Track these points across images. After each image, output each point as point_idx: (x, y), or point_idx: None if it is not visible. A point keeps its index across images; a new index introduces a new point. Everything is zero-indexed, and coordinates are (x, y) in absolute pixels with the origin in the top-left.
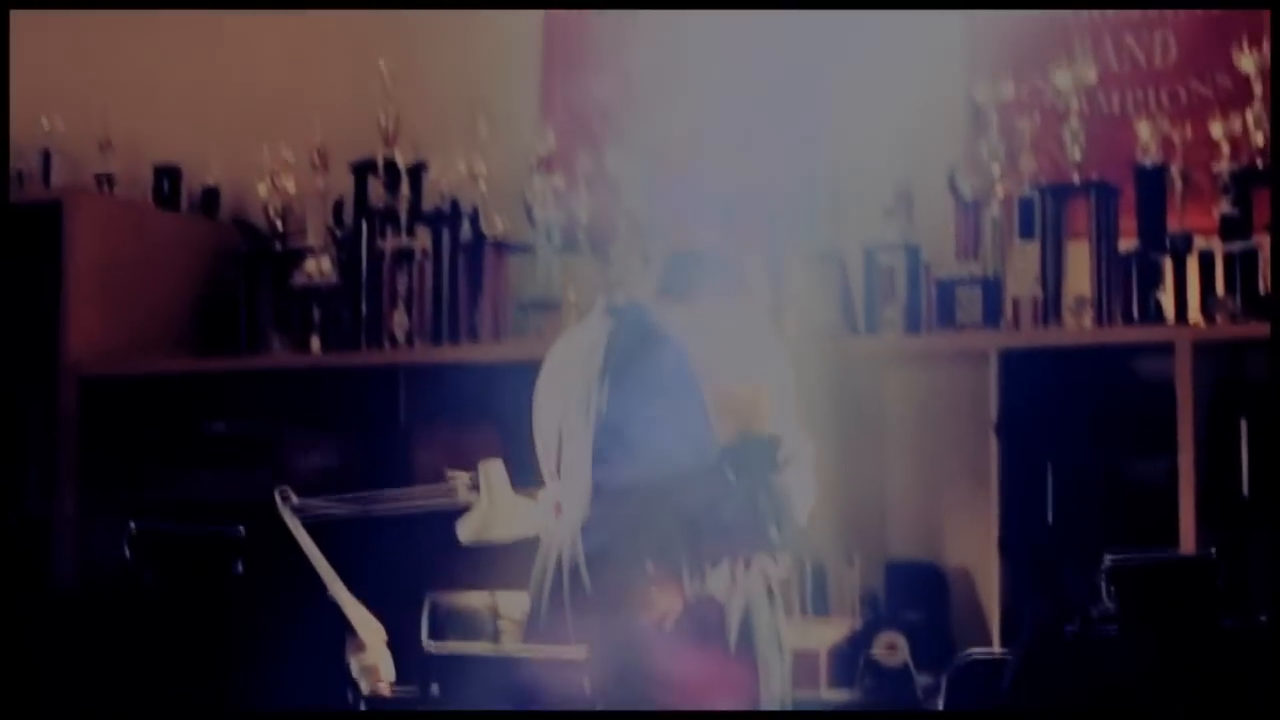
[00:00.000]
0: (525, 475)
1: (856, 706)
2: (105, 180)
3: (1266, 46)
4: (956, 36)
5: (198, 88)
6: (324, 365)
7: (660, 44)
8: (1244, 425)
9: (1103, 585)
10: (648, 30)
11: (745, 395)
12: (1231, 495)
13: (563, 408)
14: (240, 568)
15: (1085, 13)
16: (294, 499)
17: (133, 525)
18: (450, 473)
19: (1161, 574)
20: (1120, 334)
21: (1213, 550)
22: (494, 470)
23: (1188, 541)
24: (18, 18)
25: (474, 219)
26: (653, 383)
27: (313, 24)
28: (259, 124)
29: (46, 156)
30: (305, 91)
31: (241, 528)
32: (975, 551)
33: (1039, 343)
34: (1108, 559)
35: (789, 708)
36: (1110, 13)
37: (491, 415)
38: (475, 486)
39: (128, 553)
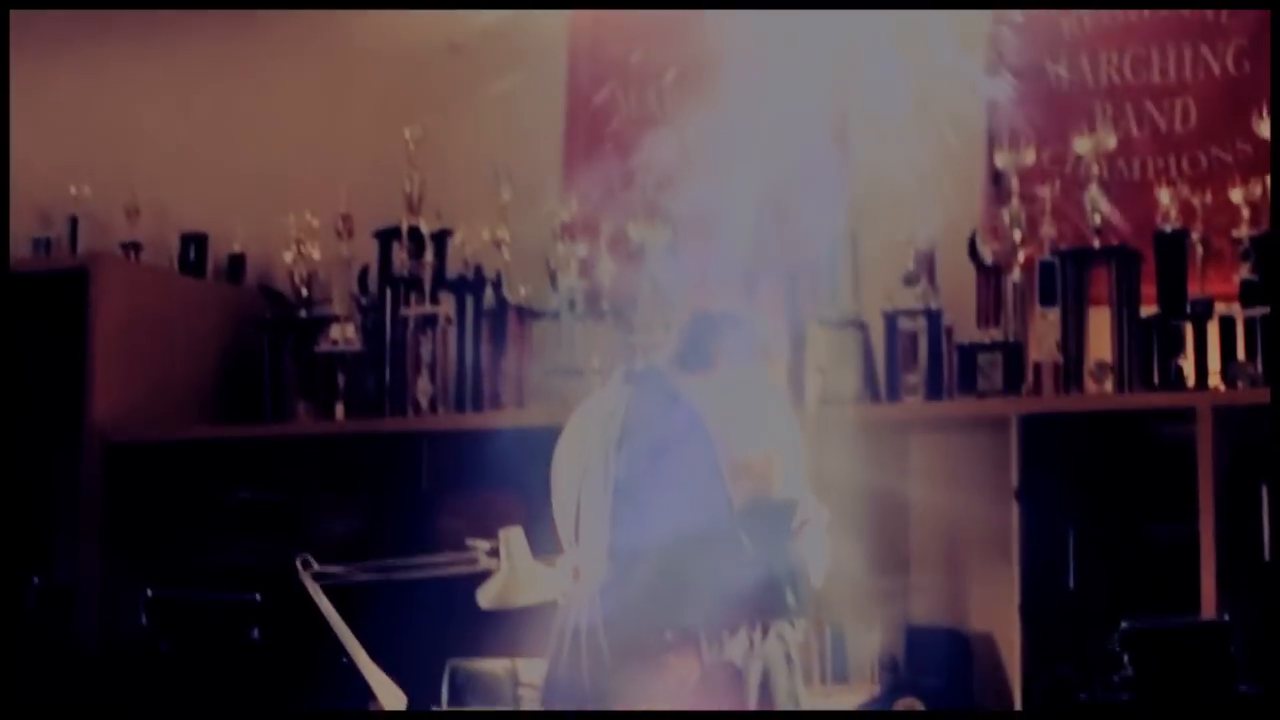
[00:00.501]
0: (546, 541)
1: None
2: (132, 247)
3: None
4: (978, 102)
5: (225, 155)
6: (347, 432)
7: (682, 112)
8: (1265, 490)
9: (1119, 652)
10: (669, 100)
11: (760, 461)
12: (1252, 560)
13: (581, 474)
14: (257, 634)
15: (1105, 79)
16: (315, 565)
17: (149, 592)
18: (471, 540)
19: (1176, 640)
20: (1141, 399)
21: (1226, 616)
22: (514, 537)
23: (1209, 607)
24: (46, 88)
25: (497, 285)
26: (669, 449)
27: (339, 92)
28: (285, 191)
29: (74, 223)
30: (331, 159)
31: (257, 595)
32: (997, 617)
33: (1060, 409)
34: (1122, 625)
35: None
36: (1131, 79)
37: (513, 481)
38: (495, 553)
39: (144, 619)
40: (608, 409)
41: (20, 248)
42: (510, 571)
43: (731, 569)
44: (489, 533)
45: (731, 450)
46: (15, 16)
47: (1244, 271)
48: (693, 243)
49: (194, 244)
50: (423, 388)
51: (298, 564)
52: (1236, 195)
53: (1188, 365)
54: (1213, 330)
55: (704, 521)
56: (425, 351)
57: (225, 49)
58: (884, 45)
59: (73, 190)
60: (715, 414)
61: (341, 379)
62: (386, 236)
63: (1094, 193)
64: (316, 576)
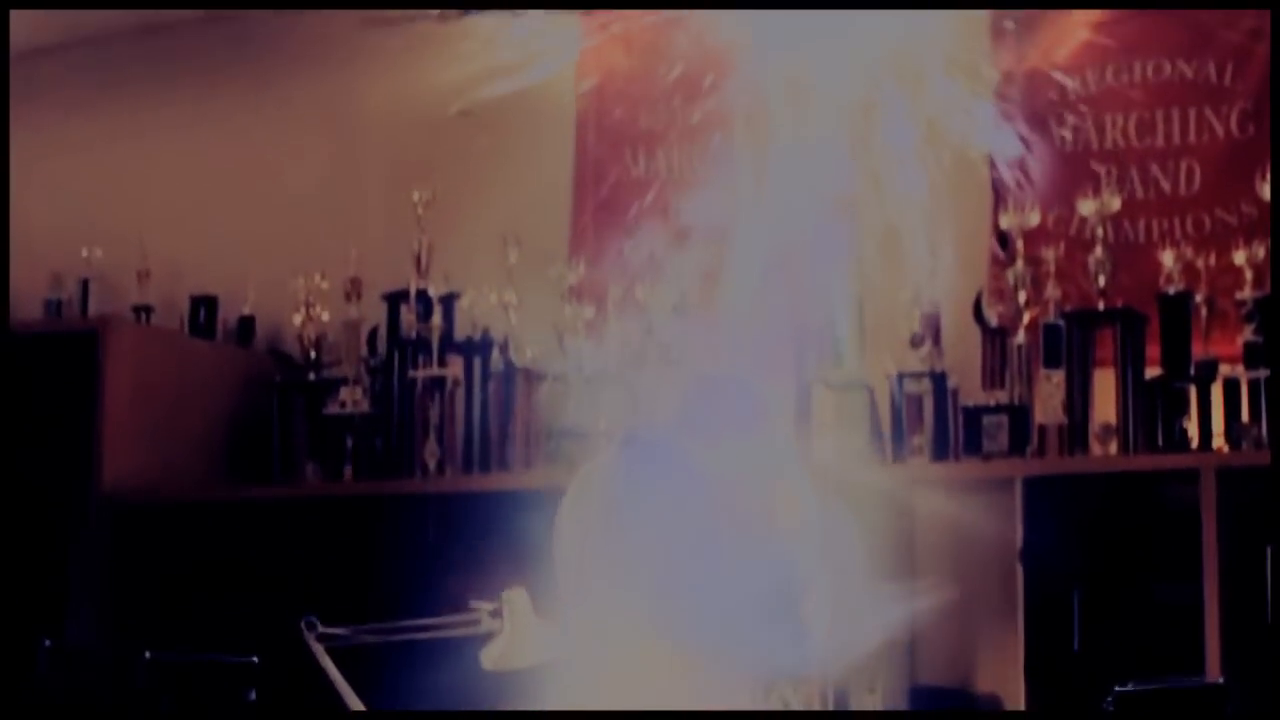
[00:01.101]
0: (551, 602)
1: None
2: (143, 310)
3: None
4: (983, 164)
5: (235, 218)
6: (355, 494)
7: (689, 177)
8: (1269, 552)
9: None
10: (677, 164)
11: (759, 521)
12: (1256, 622)
13: (581, 537)
14: (253, 696)
15: (1110, 141)
16: (319, 627)
17: (147, 654)
18: (474, 602)
19: (1170, 702)
20: (1144, 461)
21: (1221, 679)
22: (517, 598)
23: (1214, 669)
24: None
25: (504, 348)
26: (666, 515)
27: (349, 156)
28: (295, 254)
29: (85, 285)
30: (341, 222)
31: (255, 657)
32: (1002, 677)
33: (1063, 470)
34: (1115, 690)
35: None
36: (1136, 141)
37: (519, 543)
38: (499, 614)
39: (143, 681)
40: (608, 471)
41: (32, 309)
42: (513, 633)
43: (732, 629)
44: (494, 594)
45: (734, 513)
46: (30, 74)
47: (1248, 333)
48: (700, 305)
49: (204, 306)
50: (430, 450)
51: (302, 626)
52: (1239, 257)
53: (1192, 427)
54: (1217, 392)
55: (704, 585)
56: (433, 413)
57: (237, 112)
58: (891, 107)
59: (84, 253)
60: (716, 476)
61: (350, 441)
62: (395, 299)
63: (1099, 255)
64: (321, 638)
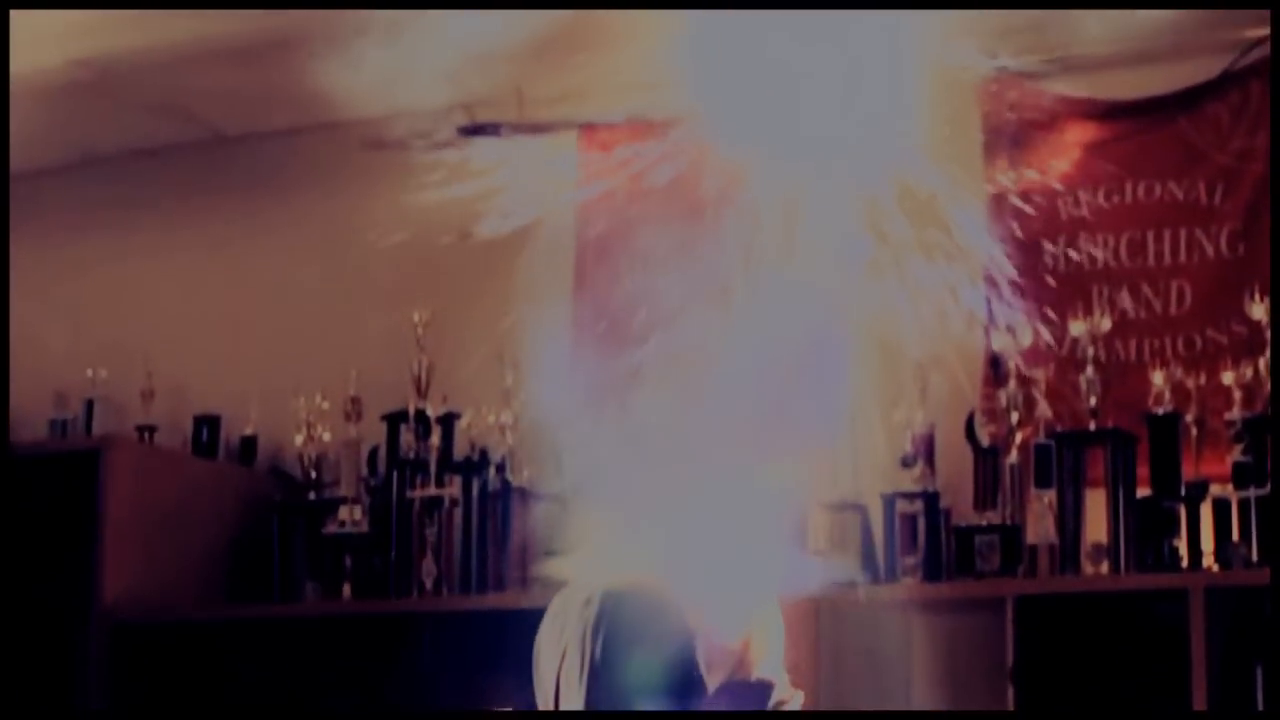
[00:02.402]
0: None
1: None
2: (147, 430)
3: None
4: (974, 285)
5: (238, 339)
6: (354, 613)
7: (687, 302)
8: (1259, 671)
9: None
10: (674, 289)
11: (738, 644)
12: None
13: (559, 655)
14: None
15: (1102, 261)
16: None
17: None
18: None
19: None
20: (1133, 581)
21: None
22: None
23: None
24: (65, 271)
25: (501, 468)
26: (644, 633)
27: (349, 277)
28: (297, 374)
29: (90, 405)
30: (341, 342)
31: None
32: None
33: (1053, 590)
34: None
35: None
36: (1127, 261)
37: (514, 663)
38: None
39: None
40: (586, 592)
41: (37, 429)
42: None
43: None
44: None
45: (709, 633)
46: (36, 195)
47: (1237, 454)
48: (693, 425)
49: (207, 426)
50: (427, 569)
51: None
52: (1228, 377)
53: (1182, 546)
54: (1206, 512)
55: (677, 704)
56: (430, 534)
57: (240, 234)
58: (882, 227)
59: (89, 373)
60: (691, 597)
61: (349, 560)
62: (394, 419)
63: (1090, 375)
64: None
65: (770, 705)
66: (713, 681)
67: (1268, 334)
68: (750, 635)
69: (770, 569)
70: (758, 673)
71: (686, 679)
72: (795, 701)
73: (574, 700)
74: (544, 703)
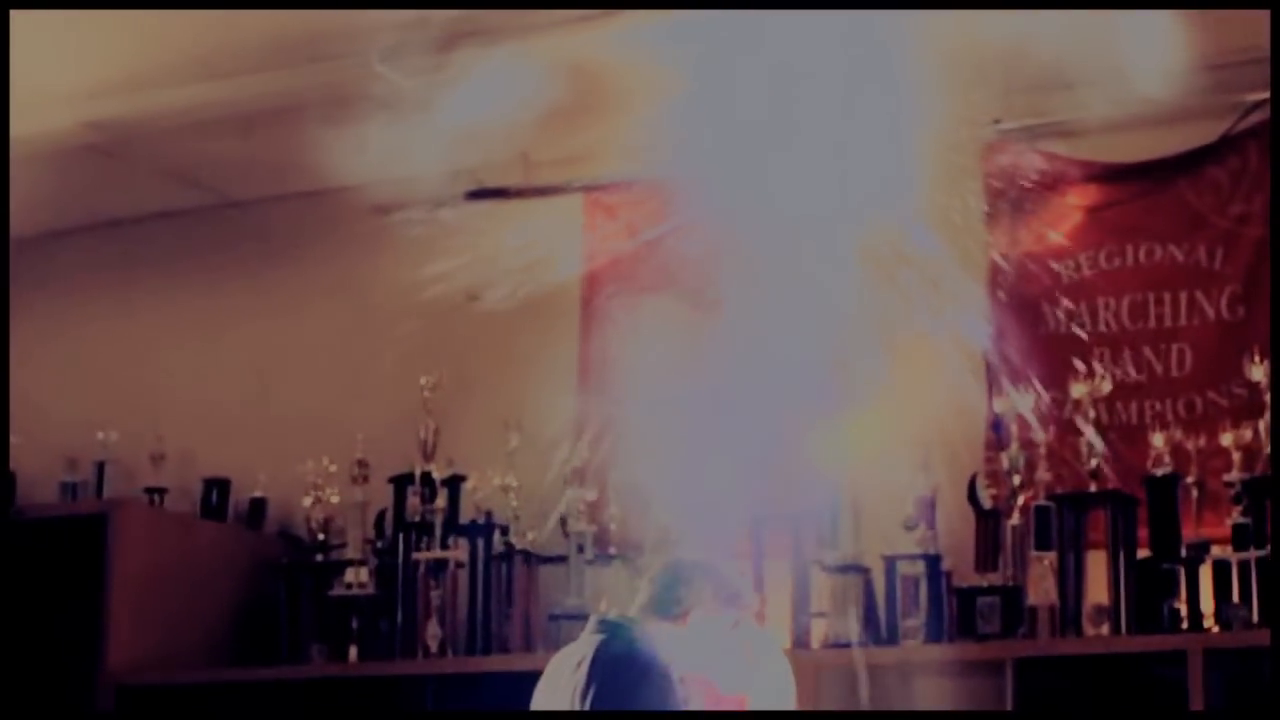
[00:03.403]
0: None
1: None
2: (157, 492)
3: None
4: (978, 348)
5: (248, 403)
6: (360, 675)
7: (693, 364)
8: None
9: None
10: (680, 350)
11: (731, 703)
12: None
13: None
14: None
15: (1103, 324)
16: None
17: None
18: None
19: None
20: (1131, 643)
21: None
22: None
23: None
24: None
25: (505, 531)
26: (632, 696)
27: (357, 342)
28: (306, 437)
29: (101, 468)
30: (350, 406)
31: None
32: None
33: (1052, 652)
34: None
35: None
36: (1128, 324)
37: None
38: None
39: None
40: (579, 655)
41: (48, 492)
42: None
43: None
44: None
45: (703, 693)
46: (47, 259)
47: (1236, 515)
48: (698, 489)
49: (216, 488)
50: (432, 632)
51: None
52: (1227, 439)
53: (1183, 608)
54: (1206, 573)
55: None
56: (436, 595)
57: (249, 299)
58: (884, 293)
59: (100, 436)
60: (684, 660)
61: (355, 622)
62: (401, 482)
63: (1090, 437)
64: None
65: None
66: None
67: (1267, 396)
68: (744, 694)
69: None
70: None
71: None
72: None
73: None
74: None
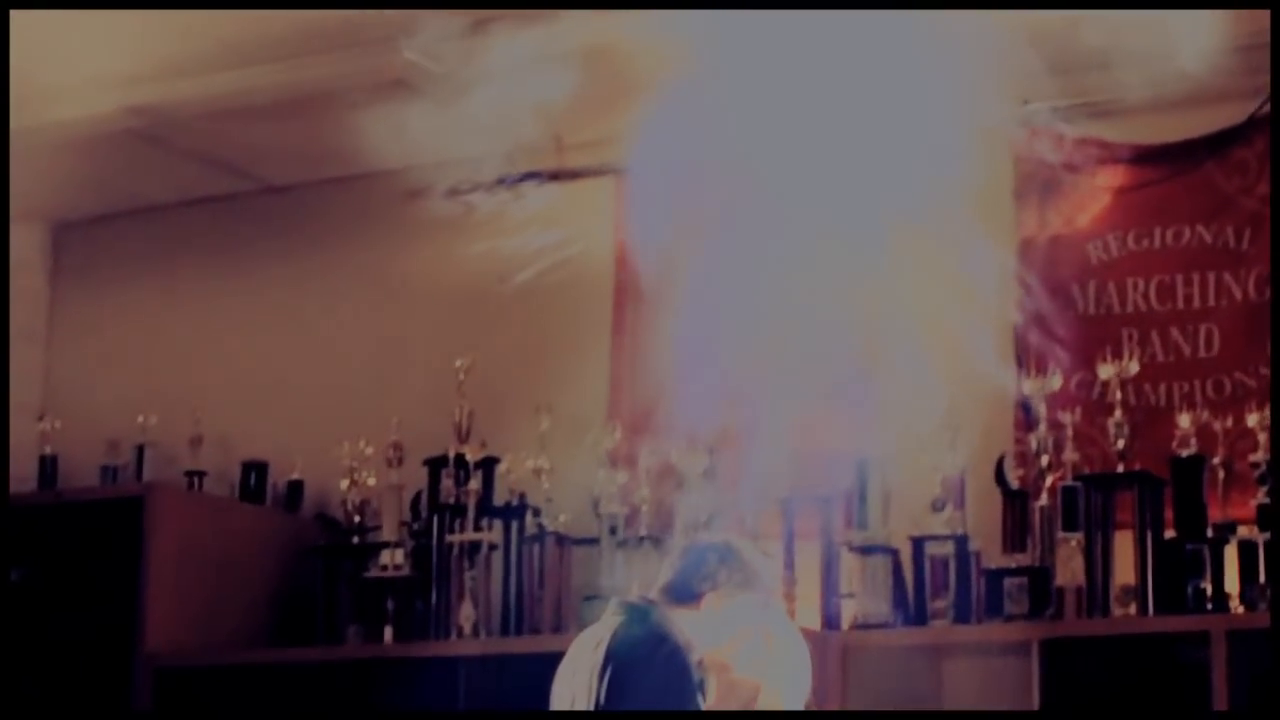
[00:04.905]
0: None
1: None
2: (196, 475)
3: None
4: (1007, 329)
5: (286, 386)
6: (395, 656)
7: (724, 344)
8: None
9: None
10: (712, 332)
11: (748, 686)
12: None
13: (570, 697)
14: None
15: (1131, 306)
16: None
17: None
18: None
19: None
20: (1154, 624)
21: None
22: None
23: None
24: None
25: (538, 513)
26: (648, 679)
27: (394, 325)
28: (343, 420)
29: (140, 452)
30: (385, 389)
31: None
32: None
33: (1078, 633)
34: None
35: None
36: (1157, 305)
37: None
38: None
39: None
40: (597, 638)
41: (89, 476)
42: None
43: None
44: None
45: (719, 675)
46: (88, 243)
47: (1260, 496)
48: (729, 470)
49: (255, 472)
50: (465, 613)
51: None
52: (1253, 419)
53: (1208, 589)
54: (1232, 554)
55: None
56: (469, 577)
57: (287, 283)
58: (913, 273)
59: (140, 419)
60: (702, 643)
61: (391, 603)
62: (435, 464)
63: (1118, 418)
64: None
65: None
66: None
67: None
68: (759, 682)
69: None
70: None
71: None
72: None
73: None
74: None
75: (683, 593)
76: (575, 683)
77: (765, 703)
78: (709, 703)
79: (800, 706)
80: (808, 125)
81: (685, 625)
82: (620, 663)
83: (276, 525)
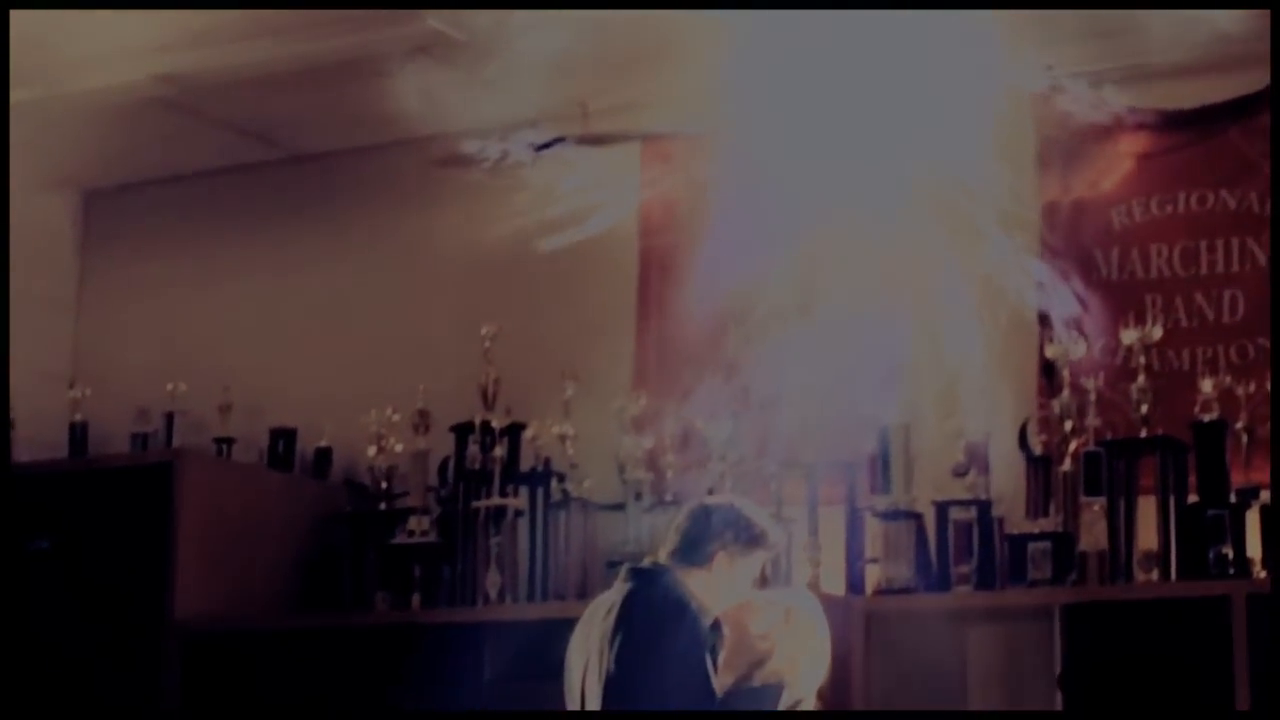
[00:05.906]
0: None
1: None
2: (225, 442)
3: None
4: (1030, 295)
5: (314, 352)
6: (422, 622)
7: (748, 312)
8: None
9: None
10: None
11: (758, 645)
12: None
13: (583, 664)
14: None
15: (1155, 271)
16: None
17: None
18: None
19: None
20: (1174, 589)
21: None
22: None
23: None
24: (149, 291)
25: (563, 479)
26: (658, 642)
27: (420, 294)
28: (370, 387)
29: (170, 419)
30: (412, 356)
31: None
32: None
33: (1102, 598)
34: None
35: None
36: (1181, 271)
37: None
38: None
39: None
40: (609, 603)
41: (119, 443)
42: None
43: None
44: None
45: (734, 632)
46: (117, 211)
47: None
48: (753, 436)
49: (283, 439)
50: (492, 579)
51: None
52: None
53: (1229, 554)
54: (1254, 519)
55: (689, 707)
56: (495, 543)
57: (314, 253)
58: (937, 241)
59: (169, 387)
60: (711, 605)
61: (418, 570)
62: (462, 431)
63: (1141, 383)
64: None
65: (786, 704)
66: (726, 682)
67: None
68: (780, 638)
69: None
70: (777, 671)
71: (696, 686)
72: (809, 702)
73: (595, 704)
74: (572, 705)
75: (693, 555)
76: (587, 649)
77: (774, 671)
78: (720, 663)
79: (813, 688)
80: (834, 89)
81: (697, 587)
82: (631, 628)
83: (304, 492)
